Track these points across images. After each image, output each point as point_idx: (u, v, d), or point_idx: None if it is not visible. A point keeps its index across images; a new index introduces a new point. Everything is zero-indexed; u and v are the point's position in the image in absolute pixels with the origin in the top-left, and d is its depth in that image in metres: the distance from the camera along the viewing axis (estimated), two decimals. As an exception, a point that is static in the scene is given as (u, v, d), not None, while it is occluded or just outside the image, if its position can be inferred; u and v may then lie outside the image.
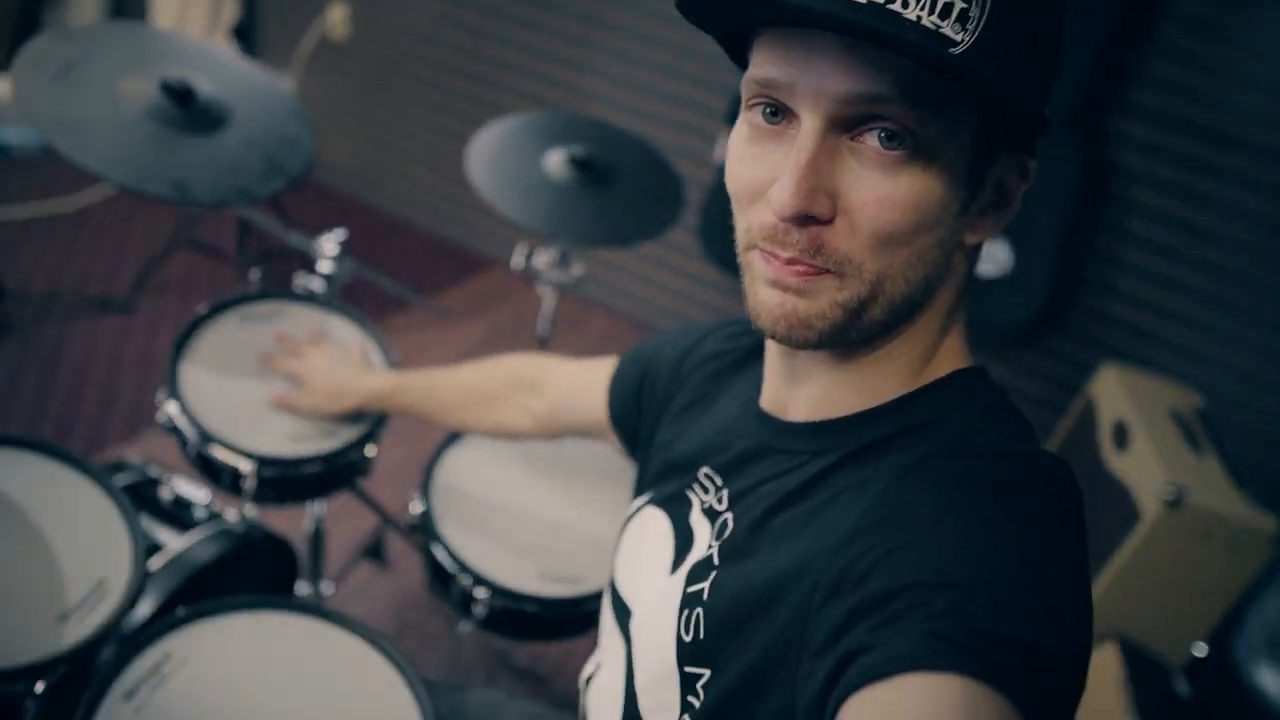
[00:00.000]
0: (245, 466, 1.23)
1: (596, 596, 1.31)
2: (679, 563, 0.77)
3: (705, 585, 0.71)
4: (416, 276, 3.29)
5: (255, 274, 1.43)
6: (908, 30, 0.52)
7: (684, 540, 0.79)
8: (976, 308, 2.57)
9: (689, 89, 2.92)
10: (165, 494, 1.44)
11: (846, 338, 0.63)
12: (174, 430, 1.28)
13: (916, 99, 0.54)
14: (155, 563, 1.28)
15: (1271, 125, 2.30)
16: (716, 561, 0.72)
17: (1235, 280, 2.49)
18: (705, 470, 0.80)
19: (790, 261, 0.60)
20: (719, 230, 2.97)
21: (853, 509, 0.62)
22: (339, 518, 2.14)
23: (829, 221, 0.58)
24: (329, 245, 1.48)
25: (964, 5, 0.52)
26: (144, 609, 1.23)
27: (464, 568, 1.29)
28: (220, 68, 1.35)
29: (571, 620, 1.34)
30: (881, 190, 0.56)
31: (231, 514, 1.43)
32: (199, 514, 1.42)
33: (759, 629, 0.64)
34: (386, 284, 1.57)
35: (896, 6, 0.52)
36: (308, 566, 1.73)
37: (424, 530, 1.34)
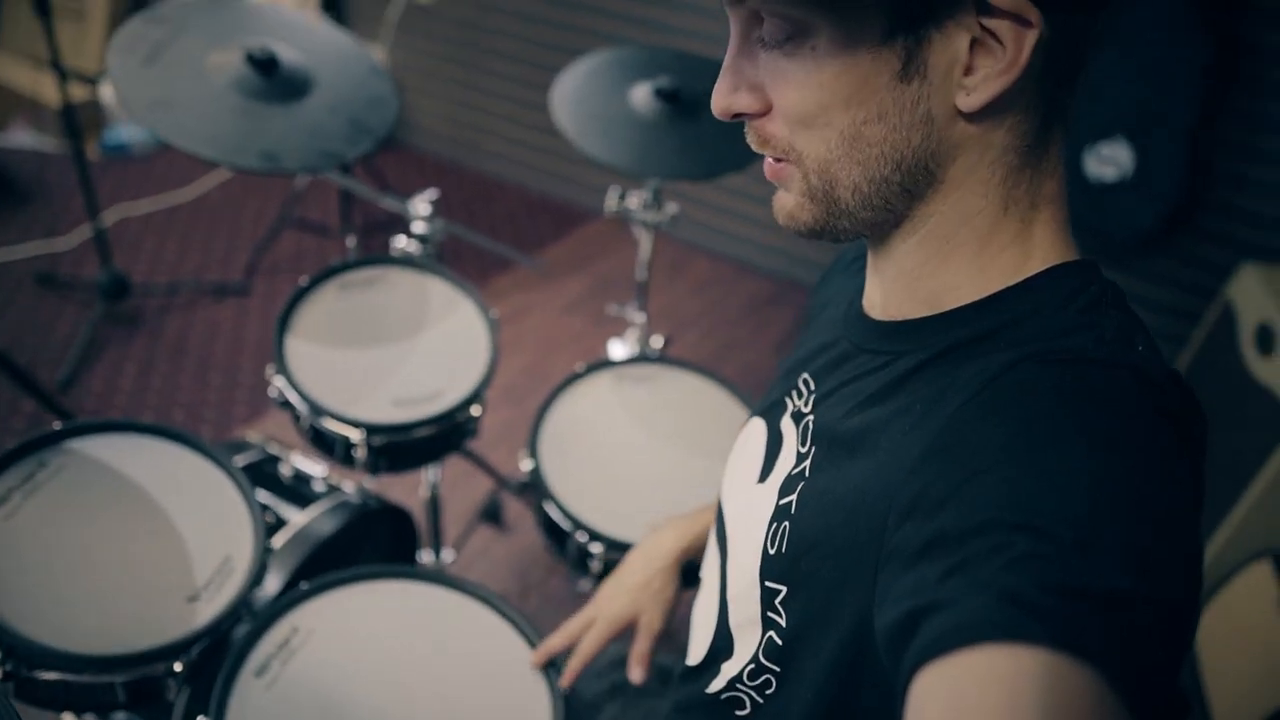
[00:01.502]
0: (355, 435, 1.23)
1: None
2: (768, 470, 0.75)
3: (794, 498, 0.68)
4: (516, 234, 3.29)
5: (351, 241, 1.42)
6: None
7: (774, 447, 0.76)
8: (1095, 216, 2.39)
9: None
10: (285, 470, 1.46)
11: (846, 224, 0.63)
12: (286, 405, 1.29)
13: None
14: (279, 539, 1.30)
15: None
16: (807, 474, 0.68)
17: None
18: (804, 375, 0.76)
19: (766, 159, 0.64)
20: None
21: (932, 421, 0.56)
22: (455, 484, 2.16)
23: (764, 114, 0.61)
24: (421, 206, 1.46)
25: None
26: (272, 585, 1.25)
27: (578, 524, 1.26)
28: (302, 34, 1.33)
29: (689, 571, 1.31)
30: (785, 75, 0.58)
31: (349, 486, 1.44)
32: (318, 488, 1.44)
33: (835, 549, 0.62)
34: (482, 241, 1.54)
35: None
36: (427, 534, 1.75)
37: (535, 488, 1.32)
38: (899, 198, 0.60)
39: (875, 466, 0.60)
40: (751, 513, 0.73)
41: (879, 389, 0.64)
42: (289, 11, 1.38)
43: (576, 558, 1.29)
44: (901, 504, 0.55)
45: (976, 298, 0.61)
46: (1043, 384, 0.53)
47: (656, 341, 1.67)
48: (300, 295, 1.34)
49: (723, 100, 0.62)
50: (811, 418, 0.71)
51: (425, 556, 1.71)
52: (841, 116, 0.57)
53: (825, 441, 0.68)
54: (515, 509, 2.15)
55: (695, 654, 0.83)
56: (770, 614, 0.68)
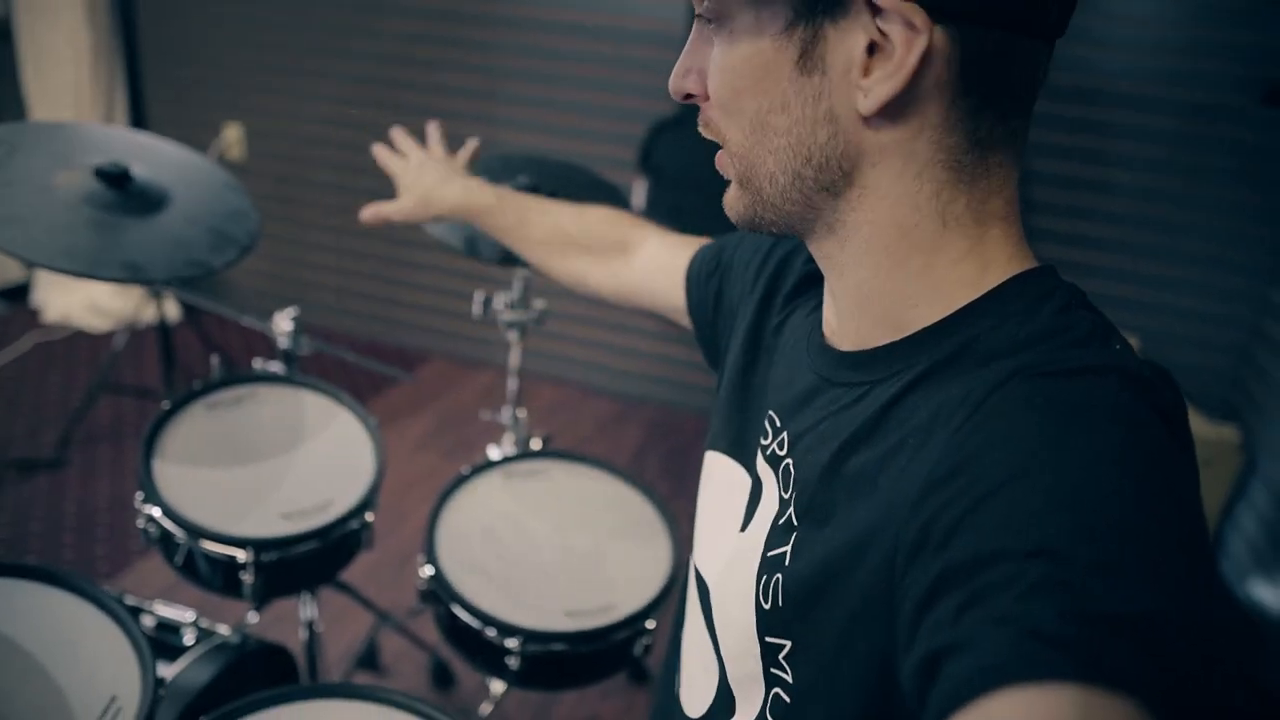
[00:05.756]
0: (242, 555, 1.14)
1: (629, 622, 1.25)
2: (749, 517, 0.71)
3: (786, 550, 0.63)
4: (353, 381, 3.20)
5: (215, 360, 1.35)
6: None
7: (755, 493, 0.72)
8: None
9: (595, 144, 2.95)
10: (148, 622, 1.32)
11: (772, 216, 0.64)
12: (158, 539, 1.18)
13: None
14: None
15: (1128, 76, 2.52)
16: (796, 522, 0.64)
17: (1141, 224, 2.63)
18: (770, 411, 0.73)
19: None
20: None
21: (928, 452, 0.54)
22: (330, 626, 2.01)
23: (706, 99, 0.64)
24: (283, 322, 1.41)
25: None
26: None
27: (490, 620, 1.21)
28: (148, 152, 1.29)
29: (609, 654, 1.27)
30: (713, 59, 0.62)
31: (223, 628, 1.32)
32: (187, 636, 1.31)
33: (841, 596, 0.58)
34: (347, 356, 1.50)
35: None
36: (306, 676, 1.61)
37: (439, 594, 1.26)
38: (818, 195, 0.61)
39: (876, 507, 0.57)
40: (737, 564, 0.69)
41: (860, 425, 0.61)
42: (131, 133, 1.34)
43: (490, 658, 1.23)
44: (908, 541, 0.52)
45: (941, 315, 0.60)
46: (1036, 400, 0.51)
47: (536, 442, 1.66)
48: (164, 419, 1.25)
49: (674, 81, 0.65)
50: (790, 461, 0.67)
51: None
52: (750, 103, 0.60)
53: (814, 487, 0.64)
54: (391, 649, 2.02)
55: (694, 706, 0.77)
56: (774, 670, 0.64)
